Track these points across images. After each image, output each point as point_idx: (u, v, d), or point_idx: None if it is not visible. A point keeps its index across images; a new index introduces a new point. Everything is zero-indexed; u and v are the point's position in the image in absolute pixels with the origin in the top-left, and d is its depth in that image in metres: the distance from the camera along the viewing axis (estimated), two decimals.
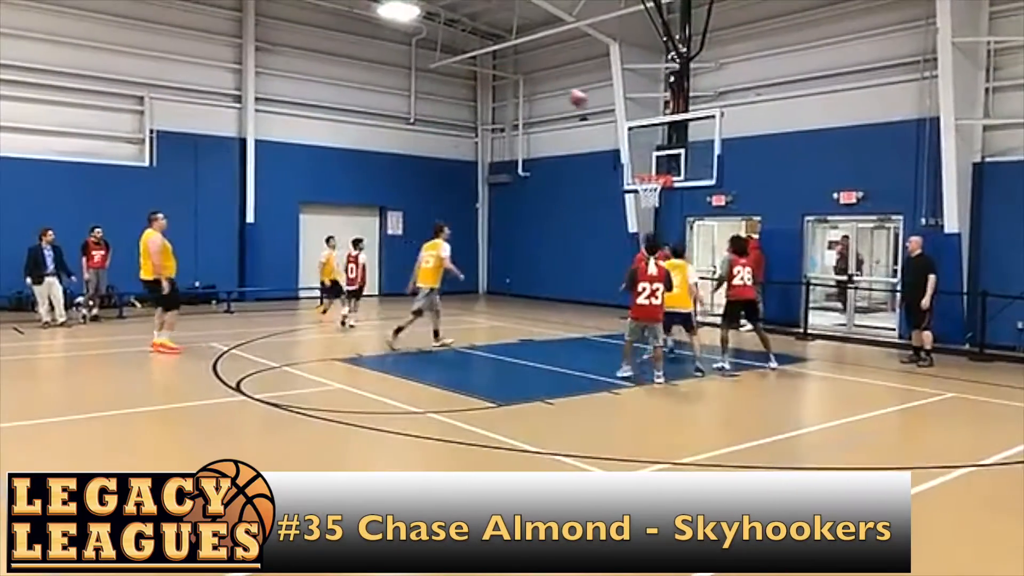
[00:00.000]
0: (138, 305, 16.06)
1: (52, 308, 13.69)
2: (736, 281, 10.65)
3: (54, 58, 16.56)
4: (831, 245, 17.18)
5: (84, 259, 14.63)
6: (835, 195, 14.94)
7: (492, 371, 10.97)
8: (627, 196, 16.98)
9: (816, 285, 15.87)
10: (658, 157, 14.15)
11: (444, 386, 8.89)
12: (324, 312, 16.09)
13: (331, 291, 15.41)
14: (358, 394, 8.53)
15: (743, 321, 11.21)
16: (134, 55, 17.50)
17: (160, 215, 11.46)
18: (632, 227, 17.61)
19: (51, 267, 13.75)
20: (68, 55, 16.72)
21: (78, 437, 6.82)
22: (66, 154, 16.69)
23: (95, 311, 14.65)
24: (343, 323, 14.50)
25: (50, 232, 13.89)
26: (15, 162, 15.88)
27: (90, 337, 12.74)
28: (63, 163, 16.52)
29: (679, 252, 10.93)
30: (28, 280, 13.79)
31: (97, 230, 14.85)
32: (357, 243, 14.97)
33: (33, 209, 15.15)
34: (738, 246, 10.95)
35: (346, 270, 14.76)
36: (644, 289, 9.38)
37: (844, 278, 15.90)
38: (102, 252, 14.83)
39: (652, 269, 9.46)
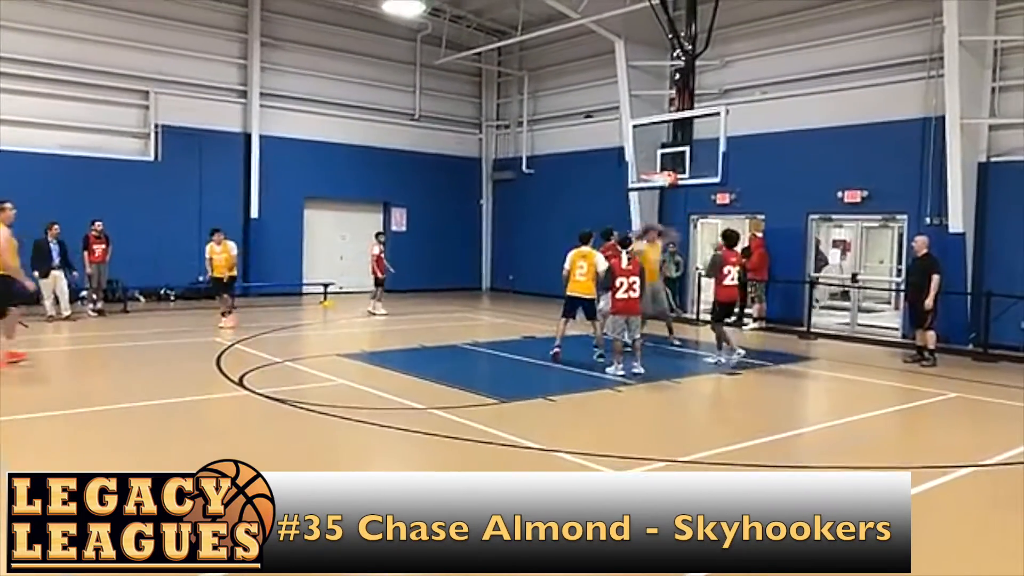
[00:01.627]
0: (142, 300, 16.12)
1: (57, 302, 13.72)
2: (727, 281, 10.66)
3: (60, 52, 16.59)
4: (835, 244, 17.15)
5: (85, 253, 14.64)
6: (839, 194, 14.90)
7: (494, 368, 10.99)
8: (631, 193, 16.96)
9: (820, 284, 15.83)
10: (663, 155, 14.11)
11: (446, 382, 8.90)
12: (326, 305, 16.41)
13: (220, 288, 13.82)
14: (361, 389, 8.55)
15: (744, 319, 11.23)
16: (139, 50, 17.52)
17: (8, 205, 9.43)
18: (636, 225, 17.58)
19: (57, 261, 13.78)
20: (74, 49, 16.74)
21: (81, 431, 6.85)
22: (71, 148, 16.73)
23: (99, 305, 14.68)
24: (372, 312, 15.86)
25: (56, 226, 13.93)
26: (20, 156, 15.90)
27: (94, 331, 12.79)
28: (68, 157, 16.56)
29: (584, 239, 10.81)
30: (36, 274, 13.81)
31: (98, 223, 14.83)
32: (377, 236, 16.72)
33: (37, 203, 15.10)
34: (730, 239, 10.86)
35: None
36: (622, 284, 9.71)
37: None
38: (103, 246, 14.81)
39: (626, 263, 9.79)
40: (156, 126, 17.72)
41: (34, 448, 6.22)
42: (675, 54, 15.09)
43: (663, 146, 14.37)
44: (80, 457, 6.11)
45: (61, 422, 7.08)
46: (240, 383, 8.66)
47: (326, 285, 18.34)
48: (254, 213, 19.12)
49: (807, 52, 15.74)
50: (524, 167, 22.12)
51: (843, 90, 15.06)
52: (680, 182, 13.87)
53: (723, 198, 16.56)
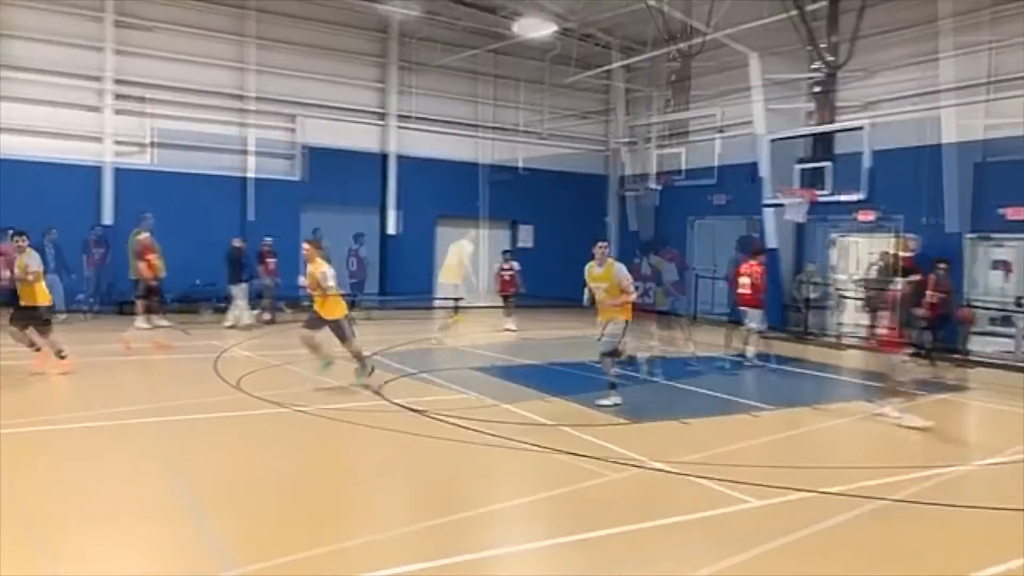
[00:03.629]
0: (287, 311, 17.08)
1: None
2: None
3: (219, 80, 18.02)
4: (996, 265, 15.82)
5: (260, 267, 15.83)
6: (1001, 211, 13.80)
7: (623, 387, 10.83)
8: (766, 209, 16.40)
9: (979, 308, 14.63)
10: (802, 170, 13.57)
11: (575, 400, 8.88)
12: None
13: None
14: (492, 403, 8.67)
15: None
16: (287, 76, 18.72)
17: (148, 215, 9.67)
18: (772, 242, 16.97)
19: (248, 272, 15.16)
20: (230, 77, 18.14)
21: (236, 431, 7.33)
22: (226, 169, 18.07)
23: (267, 315, 15.84)
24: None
25: (244, 242, 15.33)
26: (185, 177, 17.33)
27: (258, 339, 13.59)
28: (224, 177, 17.91)
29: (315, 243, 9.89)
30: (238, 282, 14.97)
31: (268, 239, 16.12)
32: (504, 253, 17.45)
33: (199, 218, 16.61)
34: (745, 245, 10.68)
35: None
36: (638, 288, 10.04)
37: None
38: (274, 260, 16.01)
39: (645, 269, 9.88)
40: (302, 147, 18.84)
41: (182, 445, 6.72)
42: (814, 65, 14.53)
43: (800, 161, 13.84)
44: (248, 456, 6.54)
45: (206, 424, 7.61)
46: (378, 393, 9.01)
47: (456, 300, 18.77)
48: (391, 229, 19.94)
49: (959, 60, 14.68)
50: (652, 184, 21.85)
51: (1002, 99, 13.97)
52: (819, 199, 13.31)
53: (866, 215, 15.67)
